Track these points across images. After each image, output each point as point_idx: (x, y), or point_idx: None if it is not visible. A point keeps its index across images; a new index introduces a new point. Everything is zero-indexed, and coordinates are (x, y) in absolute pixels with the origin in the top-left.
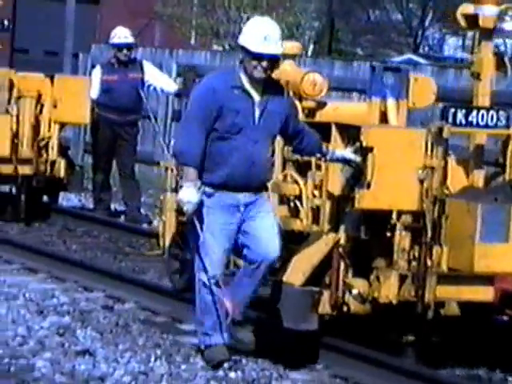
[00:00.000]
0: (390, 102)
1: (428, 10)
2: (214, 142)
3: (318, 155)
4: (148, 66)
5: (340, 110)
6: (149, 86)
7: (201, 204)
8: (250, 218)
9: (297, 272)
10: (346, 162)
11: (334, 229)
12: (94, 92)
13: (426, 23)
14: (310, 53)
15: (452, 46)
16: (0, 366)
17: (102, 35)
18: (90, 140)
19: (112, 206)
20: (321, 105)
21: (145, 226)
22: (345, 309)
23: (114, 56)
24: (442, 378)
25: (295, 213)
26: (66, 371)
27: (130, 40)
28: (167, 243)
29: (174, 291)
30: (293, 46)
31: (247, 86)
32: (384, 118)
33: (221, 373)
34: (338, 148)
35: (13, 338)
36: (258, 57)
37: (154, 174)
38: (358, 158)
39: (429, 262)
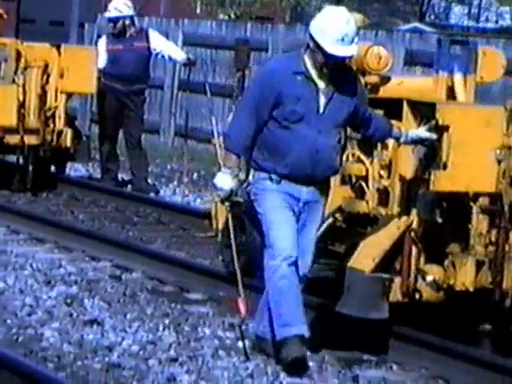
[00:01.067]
0: (458, 77)
1: None
2: (275, 130)
3: (391, 139)
4: (154, 35)
5: (405, 84)
6: (156, 55)
7: (259, 189)
8: (300, 222)
9: (366, 257)
10: (421, 142)
11: (405, 212)
12: (101, 62)
13: None
14: None
15: (458, 14)
16: (8, 335)
17: (108, 5)
18: (96, 110)
19: (119, 176)
20: (385, 80)
21: (152, 195)
22: (417, 296)
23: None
24: None
25: (360, 194)
26: (74, 341)
27: (121, 13)
28: (220, 225)
29: (228, 274)
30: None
31: (312, 72)
32: (451, 94)
33: (229, 342)
34: (411, 127)
35: (21, 308)
36: (332, 57)
37: (161, 143)
38: (434, 136)
39: (507, 247)
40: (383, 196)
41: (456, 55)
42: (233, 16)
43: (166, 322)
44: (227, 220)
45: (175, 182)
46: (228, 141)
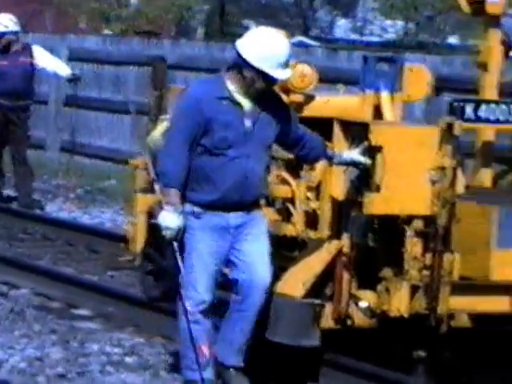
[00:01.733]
0: (385, 95)
1: None
2: (202, 158)
3: (324, 160)
4: (38, 50)
5: (331, 103)
6: (41, 70)
7: (186, 225)
8: (240, 242)
9: (296, 283)
10: (354, 164)
11: (336, 235)
12: None
13: (317, 5)
14: (202, 36)
15: (343, 28)
16: None
17: None
18: None
19: (5, 193)
20: (309, 98)
21: (38, 211)
22: (349, 322)
23: None
24: None
25: (286, 217)
26: None
27: (6, 29)
28: (139, 249)
29: (147, 301)
30: None
31: (236, 95)
32: (378, 112)
33: (117, 357)
34: (342, 148)
35: None
36: (271, 81)
37: (47, 158)
38: (368, 161)
39: (442, 271)
40: (311, 219)
41: (382, 72)
42: (118, 31)
43: (54, 338)
44: (146, 244)
45: (61, 198)
46: (164, 177)
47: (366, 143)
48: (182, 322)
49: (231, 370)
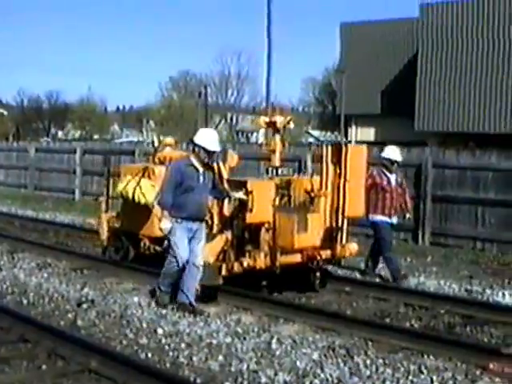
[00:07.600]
0: (221, 165)
1: None
2: (180, 194)
3: (227, 197)
4: None
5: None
6: None
7: (172, 226)
8: (194, 236)
9: (210, 255)
10: (239, 199)
11: (223, 232)
12: None
13: None
14: None
15: None
16: None
17: None
18: None
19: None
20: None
21: None
22: (232, 272)
23: None
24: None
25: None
26: None
27: None
28: (104, 236)
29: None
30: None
31: (196, 164)
32: (219, 173)
33: None
34: (233, 191)
35: None
36: (208, 151)
37: None
38: (245, 197)
39: (276, 245)
40: (211, 225)
41: (219, 154)
42: None
43: None
44: (111, 233)
45: None
46: (163, 205)
47: (244, 189)
48: (167, 265)
49: (191, 303)
